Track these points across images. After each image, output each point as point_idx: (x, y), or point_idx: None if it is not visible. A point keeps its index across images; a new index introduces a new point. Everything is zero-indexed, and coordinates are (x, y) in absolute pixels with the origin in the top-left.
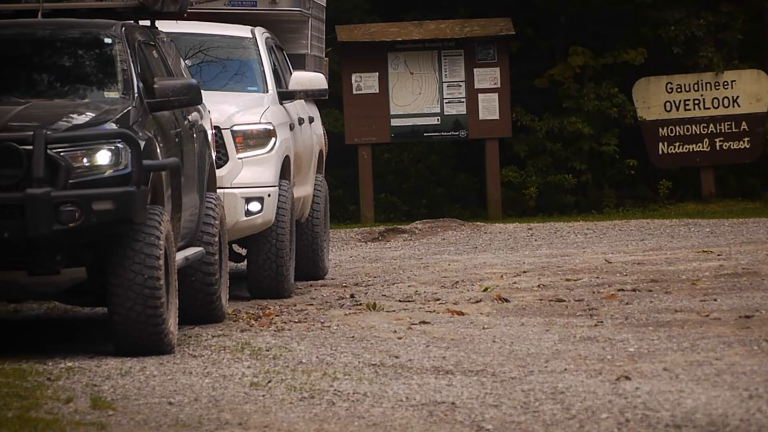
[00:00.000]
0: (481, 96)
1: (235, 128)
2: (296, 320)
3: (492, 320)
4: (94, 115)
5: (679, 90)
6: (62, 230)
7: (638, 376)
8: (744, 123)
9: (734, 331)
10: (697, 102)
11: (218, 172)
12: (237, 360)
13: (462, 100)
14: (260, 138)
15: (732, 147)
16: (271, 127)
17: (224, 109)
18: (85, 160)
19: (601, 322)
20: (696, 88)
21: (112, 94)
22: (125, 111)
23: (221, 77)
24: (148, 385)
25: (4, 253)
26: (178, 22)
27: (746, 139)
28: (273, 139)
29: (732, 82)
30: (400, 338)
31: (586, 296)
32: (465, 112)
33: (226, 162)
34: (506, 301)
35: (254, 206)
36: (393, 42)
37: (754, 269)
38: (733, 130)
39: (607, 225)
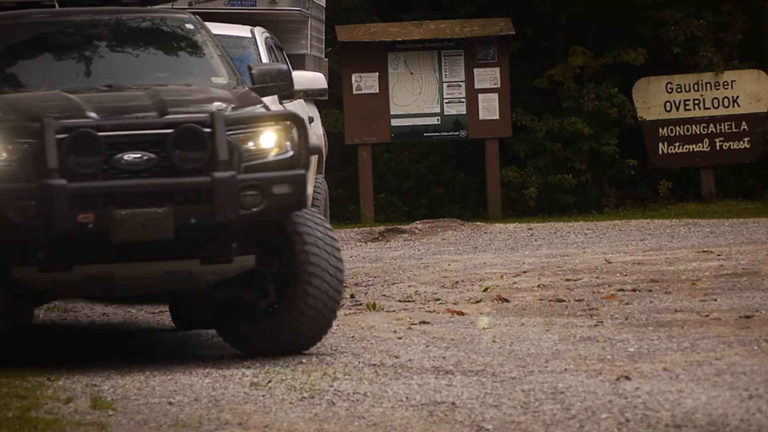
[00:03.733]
0: (481, 96)
1: None
2: None
3: (492, 320)
4: (232, 98)
5: (679, 90)
6: (245, 215)
7: (638, 376)
8: (744, 123)
9: (734, 331)
10: (697, 102)
11: None
12: (237, 360)
13: (462, 100)
14: None
15: (732, 147)
16: None
17: None
18: (250, 143)
19: (601, 322)
20: (696, 88)
21: (220, 80)
22: (252, 95)
23: None
24: (148, 385)
25: (177, 241)
26: None
27: (746, 139)
28: None
29: (732, 82)
30: (400, 338)
31: (586, 296)
32: (465, 112)
33: None
34: (506, 301)
35: None
36: (393, 42)
37: (754, 269)
38: (733, 130)
39: (607, 225)
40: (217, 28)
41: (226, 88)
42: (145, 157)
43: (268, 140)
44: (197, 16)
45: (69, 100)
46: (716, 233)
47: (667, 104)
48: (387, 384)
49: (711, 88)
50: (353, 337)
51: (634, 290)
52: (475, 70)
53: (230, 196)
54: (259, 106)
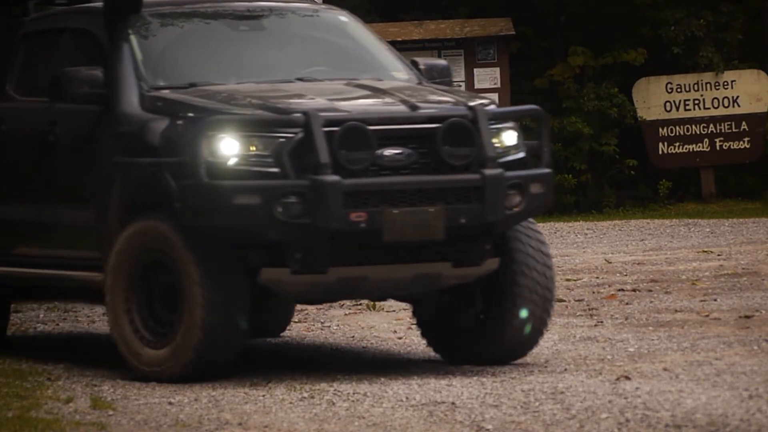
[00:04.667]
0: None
1: None
2: (296, 320)
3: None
4: (444, 92)
5: (679, 90)
6: (509, 216)
7: (638, 376)
8: (744, 123)
9: (734, 331)
10: (697, 102)
11: None
12: (237, 360)
13: None
14: None
15: (732, 147)
16: None
17: None
18: (496, 139)
19: (601, 322)
20: (696, 88)
21: (400, 74)
22: (452, 90)
23: None
24: (148, 385)
25: (443, 242)
26: None
27: (746, 139)
28: None
29: (732, 82)
30: (400, 338)
31: (586, 296)
32: None
33: None
34: None
35: None
36: (393, 42)
37: (754, 269)
38: (733, 130)
39: (607, 225)
40: None
41: (413, 83)
42: (405, 153)
43: (511, 137)
44: (347, 11)
45: (299, 92)
46: (716, 233)
47: (667, 104)
48: (387, 384)
49: (711, 88)
50: (353, 337)
51: (634, 290)
52: (475, 70)
53: (499, 194)
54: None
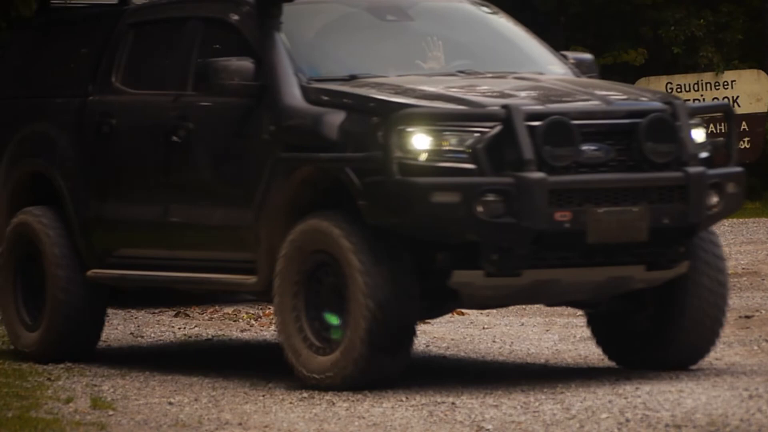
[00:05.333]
0: None
1: None
2: None
3: (492, 320)
4: (617, 86)
5: (679, 90)
6: (708, 216)
7: (638, 376)
8: (744, 123)
9: (734, 331)
10: (697, 102)
11: None
12: (237, 360)
13: None
14: None
15: None
16: None
17: None
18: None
19: None
20: (696, 88)
21: (556, 68)
22: (622, 84)
23: None
24: (148, 385)
25: (634, 244)
26: None
27: (746, 139)
28: None
29: (732, 82)
30: None
31: None
32: None
33: None
34: None
35: None
36: None
37: (754, 269)
38: None
39: None
40: None
41: (575, 76)
42: (603, 149)
43: (700, 134)
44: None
45: (475, 85)
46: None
47: None
48: (387, 384)
49: (711, 88)
50: None
51: None
52: None
53: (702, 194)
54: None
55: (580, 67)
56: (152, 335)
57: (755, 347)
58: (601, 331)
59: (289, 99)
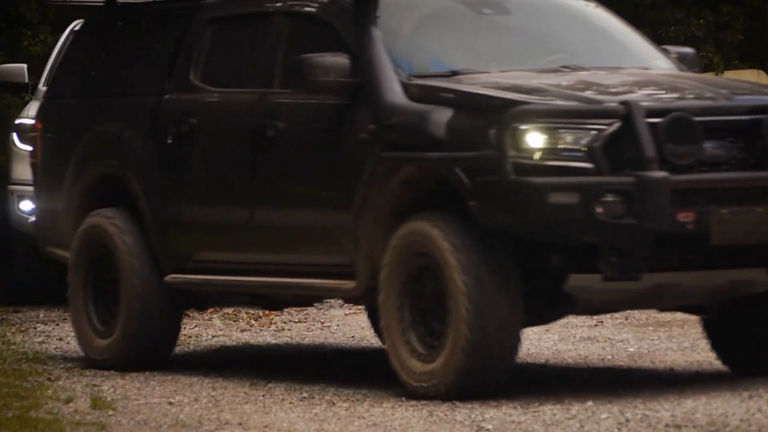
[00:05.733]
0: None
1: None
2: (296, 320)
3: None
4: (725, 82)
5: None
6: None
7: (638, 376)
8: None
9: None
10: None
11: None
12: (237, 360)
13: None
14: None
15: None
16: None
17: None
18: None
19: (601, 322)
20: None
21: (660, 62)
22: (730, 79)
23: None
24: (148, 385)
25: (758, 246)
26: None
27: None
28: None
29: None
30: None
31: None
32: None
33: None
34: None
35: None
36: None
37: None
38: None
39: None
40: None
41: (681, 71)
42: (724, 146)
43: None
44: None
45: (586, 80)
46: None
47: None
48: (387, 384)
49: None
50: (353, 337)
51: None
52: None
53: None
54: None
55: (683, 62)
56: None
57: None
58: (717, 337)
59: (390, 96)
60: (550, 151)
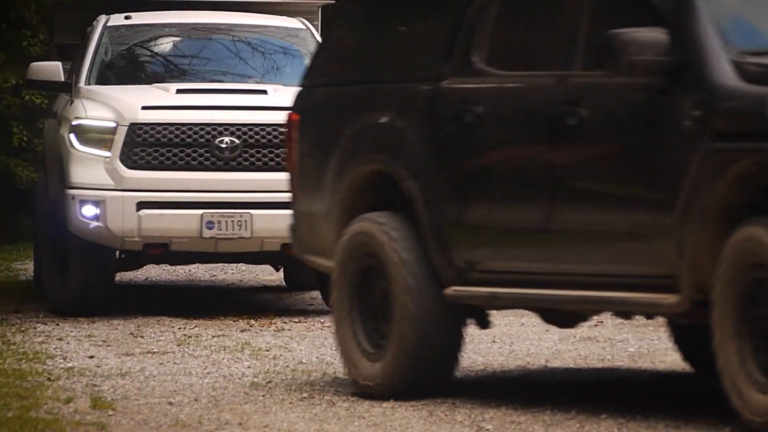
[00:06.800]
0: None
1: None
2: (296, 320)
3: (492, 320)
4: None
5: None
6: None
7: (638, 375)
8: None
9: None
10: None
11: None
12: (237, 360)
13: None
14: None
15: None
16: None
17: None
18: None
19: (601, 322)
20: None
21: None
22: None
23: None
24: (148, 385)
25: None
26: (211, 11)
27: None
28: None
29: None
30: None
31: None
32: None
33: None
34: None
35: None
36: None
37: None
38: None
39: None
40: (269, 20)
41: None
42: None
43: None
44: None
45: None
46: None
47: None
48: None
49: None
50: None
51: None
52: None
53: None
54: None
55: None
56: (152, 335)
57: None
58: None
59: (720, 77)
60: None
